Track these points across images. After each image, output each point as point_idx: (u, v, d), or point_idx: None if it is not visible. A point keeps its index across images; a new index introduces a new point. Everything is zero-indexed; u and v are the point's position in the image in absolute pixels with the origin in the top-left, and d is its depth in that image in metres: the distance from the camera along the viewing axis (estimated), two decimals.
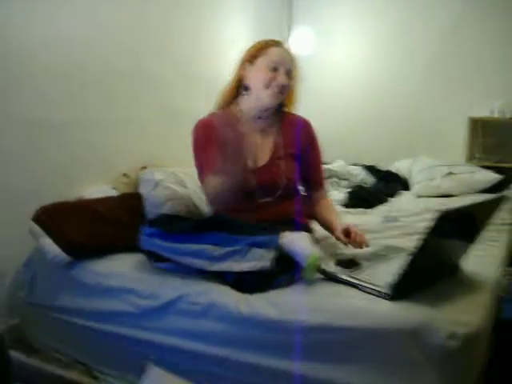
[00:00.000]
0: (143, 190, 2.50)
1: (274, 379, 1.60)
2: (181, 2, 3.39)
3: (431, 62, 4.40)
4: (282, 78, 2.09)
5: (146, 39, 3.11)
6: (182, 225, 1.85)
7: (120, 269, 2.00)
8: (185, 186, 2.59)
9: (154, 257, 1.87)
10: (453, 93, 4.33)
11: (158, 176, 2.54)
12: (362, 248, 1.97)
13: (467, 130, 4.09)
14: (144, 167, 2.80)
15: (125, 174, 2.82)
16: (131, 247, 2.07)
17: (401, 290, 1.57)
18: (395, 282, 1.56)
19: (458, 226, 1.63)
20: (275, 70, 2.08)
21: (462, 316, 1.50)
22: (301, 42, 4.51)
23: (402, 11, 4.46)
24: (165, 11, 3.25)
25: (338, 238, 2.03)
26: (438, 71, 4.38)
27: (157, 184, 2.49)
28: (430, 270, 1.68)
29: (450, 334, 1.42)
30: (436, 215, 1.42)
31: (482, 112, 4.06)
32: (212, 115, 2.17)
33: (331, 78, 4.68)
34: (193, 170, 2.22)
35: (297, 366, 1.57)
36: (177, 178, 2.63)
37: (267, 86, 2.09)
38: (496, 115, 4.01)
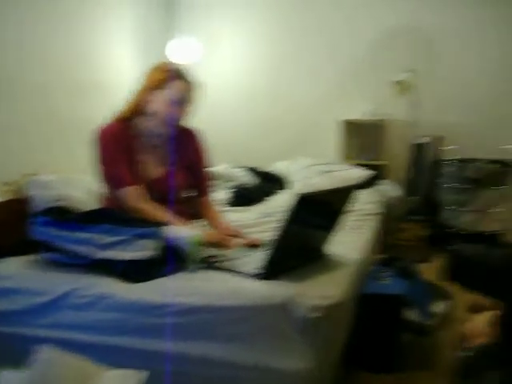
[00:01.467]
0: (33, 192, 2.51)
1: (164, 362, 1.71)
2: (62, 13, 3.43)
3: (310, 68, 4.70)
4: (181, 112, 2.23)
5: (31, 50, 3.14)
6: (73, 215, 1.97)
7: (9, 270, 2.03)
8: (73, 189, 2.65)
9: (44, 248, 1.95)
10: (329, 97, 4.65)
11: (47, 177, 2.58)
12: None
13: (342, 131, 4.40)
14: (27, 175, 2.81)
15: (6, 183, 2.81)
16: (18, 249, 2.13)
17: (270, 271, 1.76)
18: (264, 263, 1.75)
19: (317, 212, 1.84)
20: (176, 103, 2.19)
21: (324, 291, 1.71)
22: (186, 50, 4.61)
23: (285, 18, 4.73)
24: (49, 23, 3.29)
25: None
26: (315, 77, 4.69)
27: (46, 185, 2.53)
28: (296, 253, 1.89)
29: (313, 306, 1.62)
30: (294, 199, 1.62)
31: (356, 114, 4.39)
32: (113, 125, 2.25)
33: (217, 84, 4.84)
34: (80, 176, 2.28)
35: (181, 347, 1.70)
36: (65, 180, 2.68)
37: (167, 118, 2.20)
38: (368, 117, 4.35)
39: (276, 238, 1.70)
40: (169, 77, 2.19)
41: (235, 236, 2.22)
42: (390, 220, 3.71)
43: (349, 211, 2.72)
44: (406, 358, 2.24)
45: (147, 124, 2.26)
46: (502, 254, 1.49)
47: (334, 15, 4.58)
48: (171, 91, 2.18)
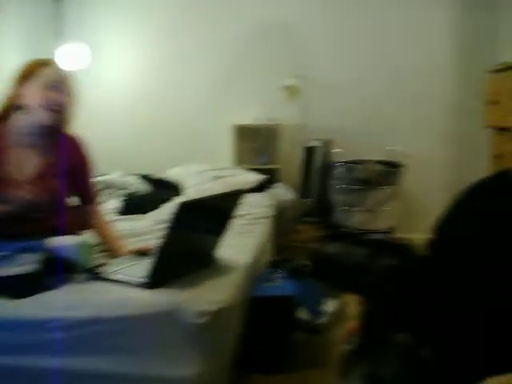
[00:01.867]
0: None
1: (51, 379, 1.64)
2: None
3: (201, 73, 4.70)
4: (56, 96, 2.12)
5: None
6: None
7: None
8: None
9: None
10: (221, 103, 4.67)
11: None
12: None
13: (235, 136, 4.43)
14: None
15: None
16: None
17: (156, 279, 1.73)
18: (149, 271, 1.72)
19: (204, 218, 1.83)
20: (49, 89, 2.11)
21: (211, 296, 1.71)
22: (74, 57, 4.49)
23: (172, 23, 4.69)
24: None
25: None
26: (205, 82, 4.69)
27: None
28: (185, 260, 1.87)
29: (199, 312, 1.61)
30: (177, 206, 1.60)
31: (249, 119, 4.43)
32: None
33: (108, 90, 4.75)
34: None
35: (69, 362, 1.63)
36: None
37: (42, 106, 2.10)
38: (260, 122, 4.40)
39: (160, 245, 1.68)
40: (39, 65, 2.15)
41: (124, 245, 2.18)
42: (285, 222, 3.77)
43: (239, 215, 2.75)
44: (299, 358, 2.28)
45: (24, 119, 2.16)
46: (361, 251, 1.55)
47: (225, 17, 4.62)
48: (43, 78, 2.12)
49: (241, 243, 2.39)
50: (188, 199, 1.67)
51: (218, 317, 1.65)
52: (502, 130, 2.50)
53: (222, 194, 1.95)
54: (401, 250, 1.44)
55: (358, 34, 4.49)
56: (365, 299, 1.37)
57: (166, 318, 1.62)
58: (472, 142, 4.21)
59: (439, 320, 1.32)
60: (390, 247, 1.46)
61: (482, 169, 3.63)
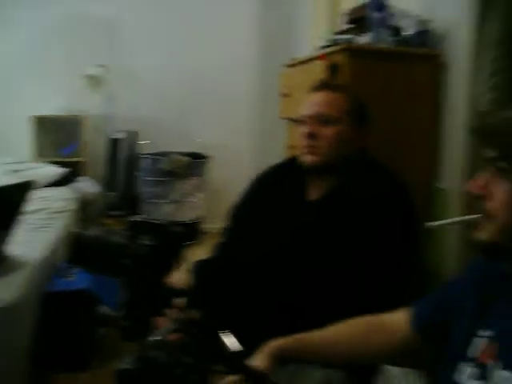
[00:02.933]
0: None
1: None
2: None
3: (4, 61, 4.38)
4: None
5: None
6: None
7: None
8: None
9: None
10: (19, 92, 4.37)
11: None
12: None
13: (34, 127, 4.19)
14: None
15: None
16: None
17: None
18: None
19: None
20: None
21: None
22: None
23: None
24: None
25: None
26: (4, 71, 4.38)
27: None
28: None
29: None
30: None
31: (50, 110, 4.22)
32: None
33: None
34: None
35: None
36: None
37: None
38: (63, 113, 4.23)
39: None
40: None
41: None
42: (88, 216, 3.66)
43: (36, 210, 2.63)
44: (103, 352, 2.23)
45: None
46: (121, 233, 1.59)
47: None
48: None
49: (35, 238, 2.29)
50: None
51: (2, 316, 1.57)
52: (293, 121, 2.66)
53: (4, 186, 1.84)
54: (159, 229, 1.48)
55: (165, 24, 4.50)
56: (124, 281, 1.38)
57: None
58: (274, 132, 4.39)
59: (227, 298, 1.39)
60: (149, 228, 1.49)
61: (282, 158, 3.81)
